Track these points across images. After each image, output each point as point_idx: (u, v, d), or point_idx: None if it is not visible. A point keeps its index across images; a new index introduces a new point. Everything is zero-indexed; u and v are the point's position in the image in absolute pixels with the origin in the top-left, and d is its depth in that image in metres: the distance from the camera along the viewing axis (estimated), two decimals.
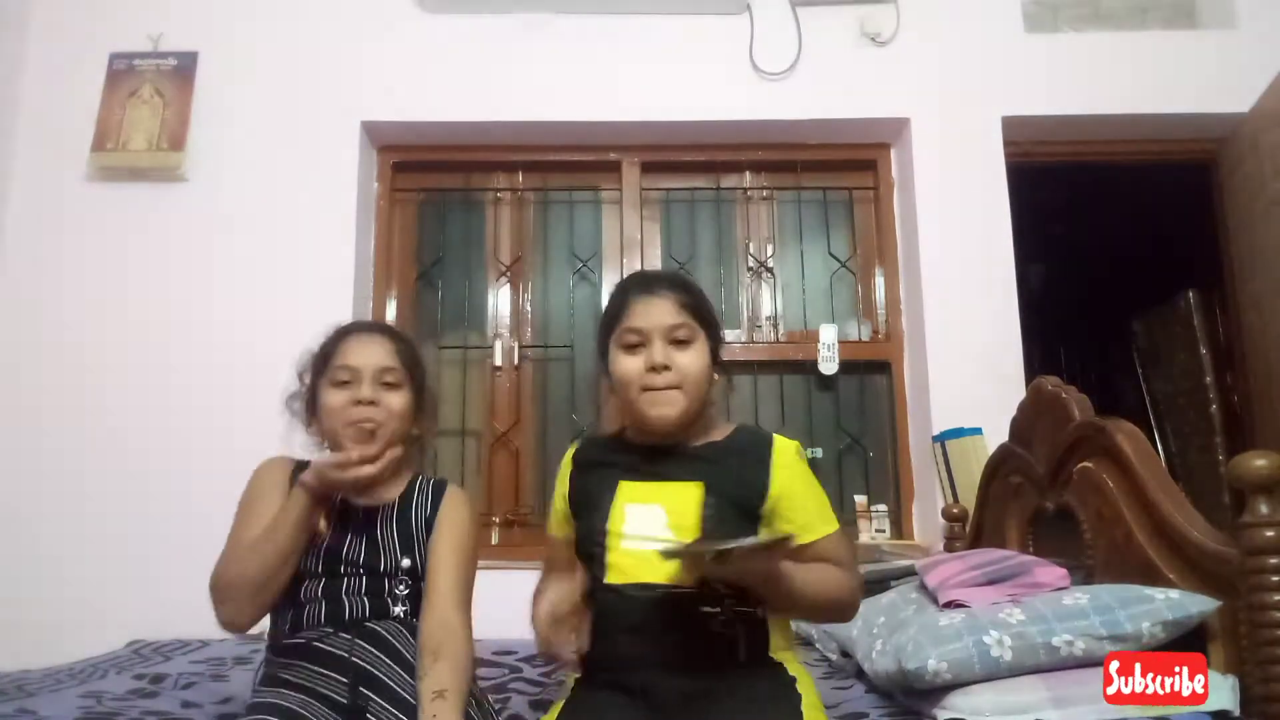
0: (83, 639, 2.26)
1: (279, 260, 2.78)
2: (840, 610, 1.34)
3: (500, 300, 3.07)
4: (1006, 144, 2.87)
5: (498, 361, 2.96)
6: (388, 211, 3.03)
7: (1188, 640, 1.40)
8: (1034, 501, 2.05)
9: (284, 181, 2.83)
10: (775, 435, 1.40)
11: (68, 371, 2.70)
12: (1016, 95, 2.89)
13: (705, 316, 1.38)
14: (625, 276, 1.44)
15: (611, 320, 1.39)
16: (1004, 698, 1.35)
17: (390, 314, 2.98)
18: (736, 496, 1.32)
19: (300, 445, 1.53)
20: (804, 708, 1.26)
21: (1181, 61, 2.88)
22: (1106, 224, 4.17)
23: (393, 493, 1.49)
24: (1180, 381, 3.85)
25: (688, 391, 1.34)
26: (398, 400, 1.46)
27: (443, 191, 3.13)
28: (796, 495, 1.34)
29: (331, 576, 1.39)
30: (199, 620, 2.37)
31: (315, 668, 1.33)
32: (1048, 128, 2.93)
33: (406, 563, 1.42)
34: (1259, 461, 1.32)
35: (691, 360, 1.34)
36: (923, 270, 2.81)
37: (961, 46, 2.92)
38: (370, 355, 1.47)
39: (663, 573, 1.27)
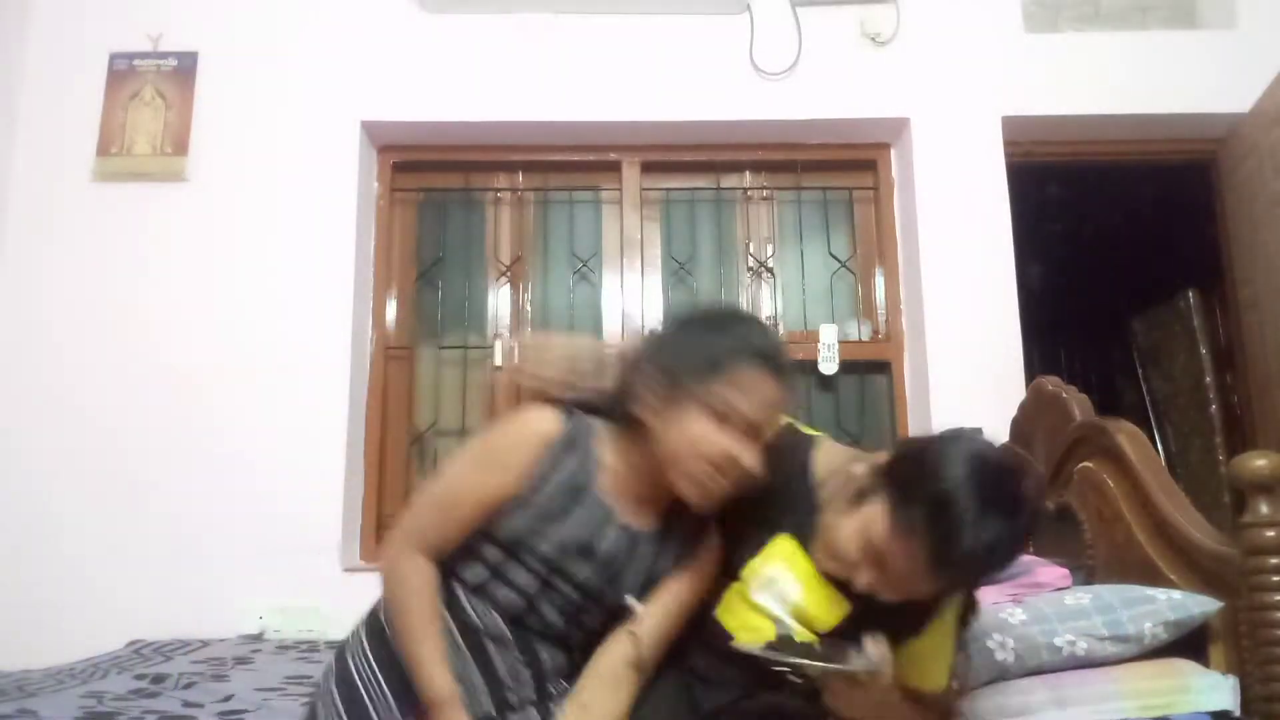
0: (83, 639, 2.26)
1: (279, 260, 2.78)
2: None
3: (500, 300, 3.07)
4: (1006, 144, 2.87)
5: (498, 361, 2.96)
6: (388, 211, 3.03)
7: (1188, 640, 1.40)
8: None
9: (284, 181, 2.83)
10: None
11: (69, 372, 2.69)
12: (1016, 95, 2.89)
13: None
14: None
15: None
16: (1006, 699, 1.35)
17: (390, 314, 2.98)
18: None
19: None
20: None
21: (1181, 61, 2.88)
22: (1106, 224, 4.17)
23: (660, 509, 1.23)
24: (1180, 381, 3.85)
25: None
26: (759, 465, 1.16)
27: (443, 191, 3.13)
28: (929, 641, 1.15)
29: (548, 585, 1.19)
30: (199, 620, 2.39)
31: (472, 660, 1.20)
32: (1048, 128, 2.93)
33: (634, 604, 1.21)
34: (1259, 461, 1.32)
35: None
36: (923, 270, 2.81)
37: (961, 46, 2.92)
38: (767, 407, 1.16)
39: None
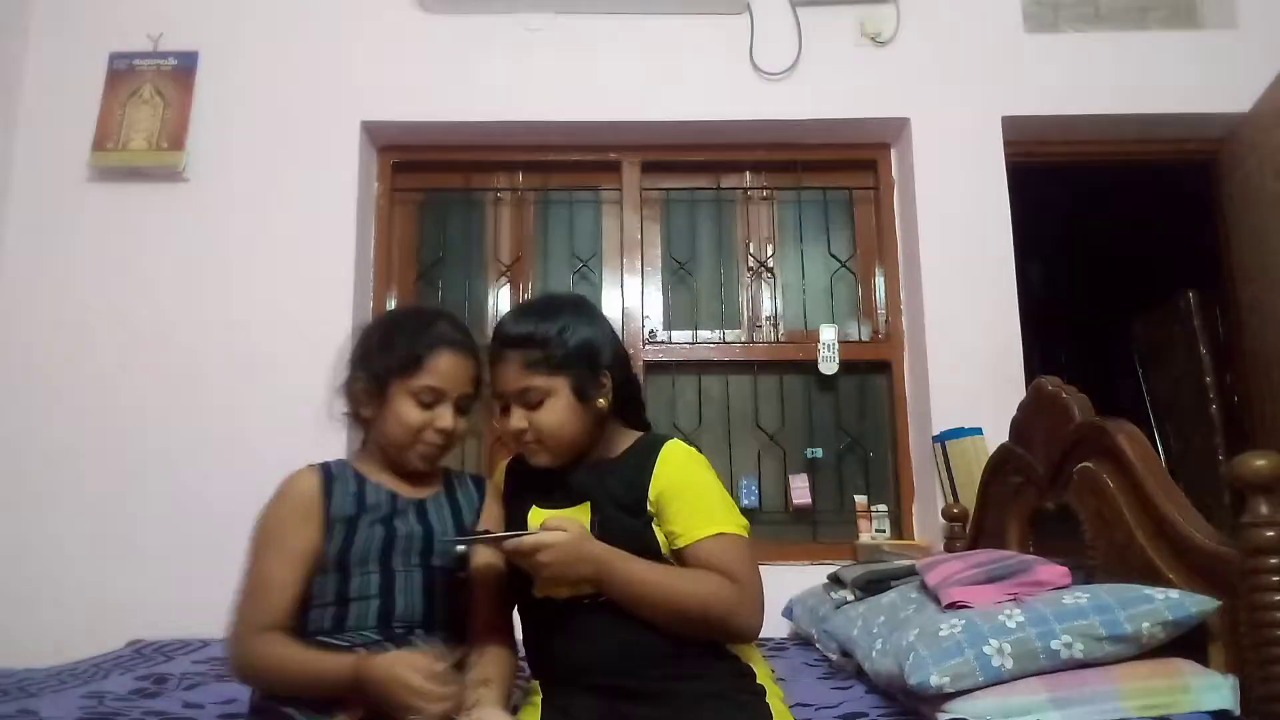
0: (83, 639, 2.26)
1: (279, 260, 2.78)
2: (713, 621, 1.28)
3: (500, 300, 3.07)
4: (1006, 144, 2.87)
5: None
6: (388, 211, 3.03)
7: (1188, 640, 1.40)
8: (1034, 501, 2.05)
9: (284, 181, 2.83)
10: (670, 440, 1.41)
11: (68, 371, 2.70)
12: (1016, 95, 2.89)
13: (561, 361, 1.35)
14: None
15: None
16: (1005, 700, 1.35)
17: None
18: (622, 505, 1.34)
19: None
20: (769, 699, 1.29)
21: (1181, 61, 2.88)
22: (1106, 224, 4.17)
23: (434, 484, 1.51)
24: (1180, 381, 3.85)
25: (554, 442, 1.38)
26: (464, 423, 1.47)
27: (443, 191, 3.13)
28: (675, 495, 1.33)
29: (385, 571, 1.37)
30: (199, 620, 2.38)
31: None
32: (1048, 128, 2.93)
33: (461, 549, 1.43)
34: (1259, 461, 1.32)
35: (548, 417, 1.36)
36: (923, 270, 2.81)
37: (961, 46, 2.92)
38: (461, 380, 1.45)
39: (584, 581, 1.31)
